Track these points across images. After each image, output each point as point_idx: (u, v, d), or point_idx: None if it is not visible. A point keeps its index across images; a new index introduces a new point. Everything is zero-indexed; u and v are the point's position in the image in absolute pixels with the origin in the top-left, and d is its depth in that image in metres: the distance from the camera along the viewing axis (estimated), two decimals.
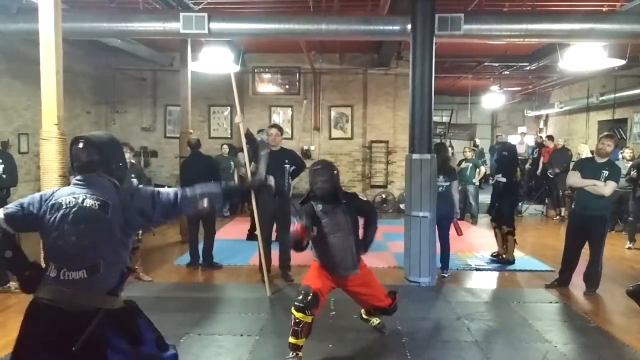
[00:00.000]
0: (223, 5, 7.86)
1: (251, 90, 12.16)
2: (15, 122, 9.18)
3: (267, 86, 12.33)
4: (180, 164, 7.25)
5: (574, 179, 5.56)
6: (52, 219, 2.19)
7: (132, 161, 6.25)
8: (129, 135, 12.19)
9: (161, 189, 2.41)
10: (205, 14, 6.46)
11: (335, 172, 3.73)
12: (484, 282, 6.15)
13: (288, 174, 5.80)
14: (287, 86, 12.29)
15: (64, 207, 2.20)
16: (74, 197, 2.22)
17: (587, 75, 12.00)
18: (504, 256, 6.78)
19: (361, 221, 3.93)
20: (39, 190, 2.73)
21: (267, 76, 12.33)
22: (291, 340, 3.53)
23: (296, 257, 6.08)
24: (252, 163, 5.98)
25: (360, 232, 3.89)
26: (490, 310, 4.99)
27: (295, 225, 3.39)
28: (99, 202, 2.21)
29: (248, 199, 5.53)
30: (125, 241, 2.31)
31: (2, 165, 6.22)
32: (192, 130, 8.71)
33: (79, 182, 2.29)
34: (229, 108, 12.30)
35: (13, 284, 5.33)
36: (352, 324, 4.47)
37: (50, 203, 2.23)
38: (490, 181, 9.47)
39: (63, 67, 4.51)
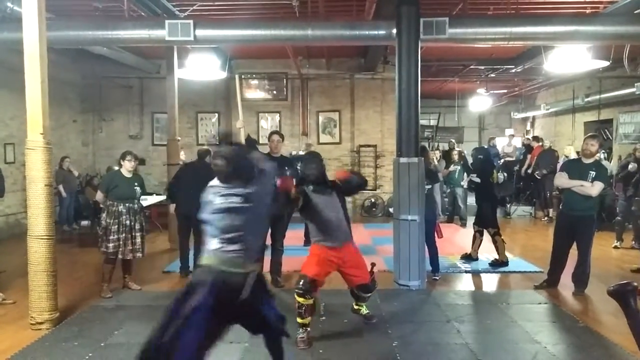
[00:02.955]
0: (209, 12, 7.85)
1: (238, 97, 12.10)
2: (2, 132, 9.09)
3: (254, 92, 12.31)
4: (181, 168, 7.15)
5: (562, 180, 5.61)
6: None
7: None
8: (116, 143, 12.13)
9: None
10: (191, 21, 6.45)
11: (322, 160, 4.36)
12: (473, 284, 6.18)
13: None
14: (274, 92, 12.28)
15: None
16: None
17: (572, 77, 12.13)
18: (495, 258, 6.81)
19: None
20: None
21: (254, 82, 12.31)
22: (298, 320, 4.10)
23: (287, 264, 6.09)
24: None
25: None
26: (480, 312, 5.01)
27: (282, 179, 3.72)
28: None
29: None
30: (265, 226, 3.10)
31: None
32: (179, 138, 8.69)
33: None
34: (216, 114, 12.27)
35: (1, 295, 5.26)
36: (343, 329, 4.48)
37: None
38: (463, 184, 9.59)
39: (49, 75, 4.49)
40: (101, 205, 5.71)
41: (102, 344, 4.15)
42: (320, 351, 3.99)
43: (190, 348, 2.63)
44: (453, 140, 13.51)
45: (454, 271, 6.63)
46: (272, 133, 6.03)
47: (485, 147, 8.33)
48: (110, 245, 5.42)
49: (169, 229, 8.34)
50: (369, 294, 4.52)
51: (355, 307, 4.69)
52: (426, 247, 6.00)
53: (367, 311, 4.70)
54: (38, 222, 4.41)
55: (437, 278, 6.17)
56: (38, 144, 4.39)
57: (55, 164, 8.48)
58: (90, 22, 6.89)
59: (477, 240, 7.03)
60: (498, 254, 6.78)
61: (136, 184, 5.71)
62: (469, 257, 7.08)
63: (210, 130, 12.36)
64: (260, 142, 11.88)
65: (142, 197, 6.06)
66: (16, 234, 8.44)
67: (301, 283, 4.06)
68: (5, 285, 5.66)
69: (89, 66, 11.40)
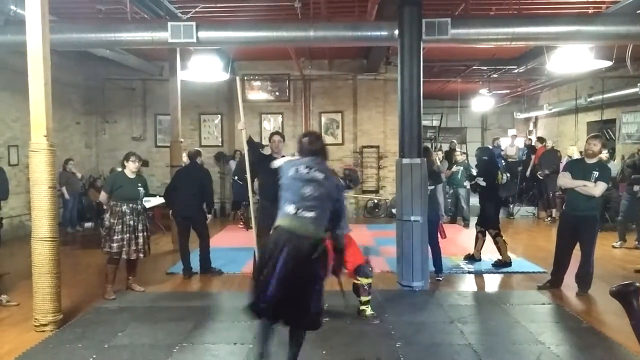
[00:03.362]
0: (211, 14, 7.87)
1: (241, 98, 12.12)
2: (5, 134, 9.12)
3: (257, 93, 12.34)
4: (176, 171, 7.23)
5: (565, 180, 5.60)
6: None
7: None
8: (119, 145, 12.17)
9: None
10: (194, 23, 6.47)
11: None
12: (476, 285, 6.17)
13: None
14: (277, 93, 12.30)
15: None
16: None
17: (575, 77, 12.11)
18: (499, 258, 6.80)
19: None
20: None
21: (256, 83, 12.34)
22: (365, 299, 4.77)
23: None
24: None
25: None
26: (483, 312, 5.00)
27: None
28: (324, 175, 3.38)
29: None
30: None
31: None
32: (182, 139, 8.71)
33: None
34: (219, 116, 12.30)
35: (5, 297, 5.28)
36: (346, 330, 4.47)
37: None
38: (467, 185, 9.56)
39: (52, 78, 4.50)
40: (104, 207, 5.73)
41: (106, 346, 4.15)
42: (323, 352, 3.99)
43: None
44: (455, 141, 13.50)
45: (457, 272, 6.63)
46: (273, 134, 6.02)
47: (490, 147, 8.30)
48: (115, 245, 5.44)
49: (172, 230, 8.36)
50: (369, 281, 4.71)
51: (361, 308, 4.77)
52: (429, 247, 6.00)
53: (372, 312, 4.77)
54: (42, 224, 4.43)
55: (441, 279, 6.16)
56: (41, 146, 4.40)
57: (58, 166, 8.52)
58: (93, 24, 6.92)
59: (479, 241, 7.02)
60: (500, 254, 6.77)
61: (139, 184, 5.72)
62: (471, 258, 7.07)
63: (213, 131, 12.38)
64: (263, 143, 11.94)
65: (146, 198, 6.08)
66: (20, 236, 8.46)
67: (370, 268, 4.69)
68: (9, 287, 5.68)
69: (92, 68, 11.46)
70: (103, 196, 5.71)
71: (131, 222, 5.52)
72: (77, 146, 11.56)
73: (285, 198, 3.31)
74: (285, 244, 3.11)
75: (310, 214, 3.21)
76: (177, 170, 7.32)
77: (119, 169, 6.38)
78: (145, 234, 5.68)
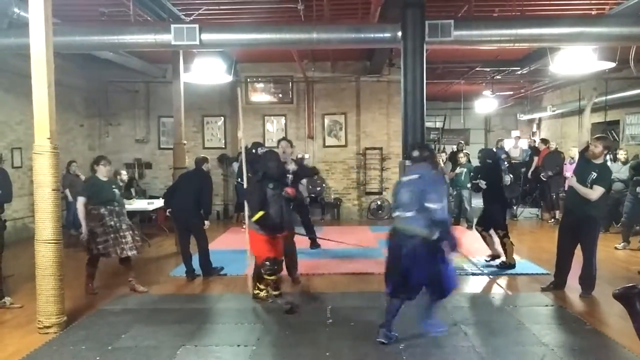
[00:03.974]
0: (214, 16, 7.89)
1: (245, 100, 12.19)
2: (9, 137, 9.16)
3: (260, 95, 12.36)
4: (179, 175, 7.26)
5: (571, 180, 5.60)
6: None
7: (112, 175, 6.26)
8: (122, 148, 12.22)
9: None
10: (197, 26, 6.50)
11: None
12: (480, 286, 6.15)
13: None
14: (280, 95, 12.32)
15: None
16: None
17: (578, 79, 12.08)
18: (503, 260, 6.77)
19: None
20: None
21: (260, 86, 12.37)
22: (275, 293, 5.10)
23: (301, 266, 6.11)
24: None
25: None
26: (486, 314, 4.99)
27: (288, 189, 5.00)
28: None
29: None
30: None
31: None
32: (185, 142, 8.72)
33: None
34: (222, 118, 12.31)
35: (8, 299, 5.29)
36: (349, 332, 4.47)
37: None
38: (468, 185, 9.56)
39: (55, 80, 4.52)
40: (80, 215, 5.65)
41: (110, 347, 4.16)
42: (327, 354, 3.99)
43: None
44: (462, 142, 13.47)
45: (460, 273, 6.58)
46: (280, 140, 6.10)
47: (493, 149, 8.27)
48: (100, 247, 5.52)
49: (175, 232, 8.36)
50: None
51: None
52: None
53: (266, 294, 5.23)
54: (45, 226, 4.44)
55: None
56: (45, 149, 4.41)
57: (62, 169, 8.54)
58: (96, 27, 6.95)
59: (489, 239, 6.95)
60: (506, 256, 6.74)
61: (113, 186, 5.83)
62: (494, 257, 6.96)
63: (217, 133, 12.39)
64: (266, 145, 11.96)
65: (150, 201, 6.11)
66: (24, 238, 8.49)
67: (269, 265, 4.95)
68: (13, 289, 5.70)
69: (95, 71, 11.49)
70: (81, 201, 5.66)
71: (112, 223, 5.58)
72: (80, 148, 11.60)
73: (393, 205, 4.27)
74: (401, 244, 3.94)
75: (408, 214, 3.92)
76: (181, 174, 7.35)
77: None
78: (132, 232, 5.74)
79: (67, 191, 9.32)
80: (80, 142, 11.68)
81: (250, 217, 4.99)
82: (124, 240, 5.62)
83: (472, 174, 8.29)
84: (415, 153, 4.22)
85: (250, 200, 5.11)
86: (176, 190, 6.60)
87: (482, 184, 6.85)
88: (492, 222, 6.84)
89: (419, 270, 3.88)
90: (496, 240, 6.90)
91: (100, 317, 4.95)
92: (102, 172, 5.79)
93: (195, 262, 6.54)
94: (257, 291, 5.33)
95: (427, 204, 3.82)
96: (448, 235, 3.93)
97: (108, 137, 12.33)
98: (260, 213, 4.81)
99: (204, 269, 6.53)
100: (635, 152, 9.91)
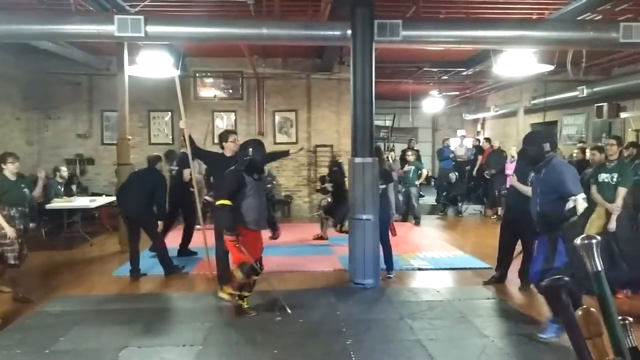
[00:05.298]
0: (161, 8, 7.67)
1: (193, 95, 11.94)
2: None
3: (209, 90, 12.14)
4: (132, 173, 7.03)
5: (512, 177, 5.83)
6: None
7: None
8: (63, 143, 11.71)
9: None
10: (142, 17, 6.28)
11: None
12: (426, 281, 6.29)
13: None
14: (230, 91, 12.15)
15: None
16: None
17: (520, 80, 12.56)
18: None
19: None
20: None
21: (209, 81, 12.15)
22: (245, 293, 4.81)
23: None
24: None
25: None
26: (431, 308, 5.11)
27: None
28: None
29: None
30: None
31: None
32: (130, 137, 8.44)
33: None
34: (169, 113, 12.00)
35: None
36: (297, 329, 4.47)
37: None
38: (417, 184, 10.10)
39: None
40: None
41: (47, 351, 3.98)
42: (275, 351, 3.97)
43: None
44: (414, 139, 13.74)
45: (407, 269, 6.75)
46: (230, 132, 5.83)
47: (340, 161, 9.04)
48: (15, 254, 5.19)
49: (119, 231, 8.11)
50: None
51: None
52: (380, 245, 6.08)
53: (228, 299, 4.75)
54: None
55: (391, 276, 6.26)
56: None
57: None
58: (34, 15, 6.60)
59: (325, 222, 8.65)
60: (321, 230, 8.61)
61: (23, 185, 5.49)
62: (320, 238, 8.52)
63: (163, 129, 12.08)
64: (215, 141, 11.76)
65: (91, 198, 5.86)
66: None
67: (250, 269, 4.65)
68: None
69: (33, 62, 10.91)
70: None
71: (21, 227, 5.31)
72: (17, 143, 11.00)
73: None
74: None
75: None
76: (133, 172, 7.18)
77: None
78: (23, 238, 5.43)
79: None
80: (16, 136, 11.09)
81: (210, 201, 4.78)
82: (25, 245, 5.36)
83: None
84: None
85: (222, 187, 4.71)
86: (126, 188, 6.41)
87: (329, 186, 8.64)
88: (333, 213, 8.32)
89: None
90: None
91: (37, 319, 4.74)
92: (11, 170, 5.35)
93: (143, 262, 6.37)
94: (231, 294, 4.74)
95: None
96: None
97: (47, 132, 11.77)
98: (226, 202, 4.43)
99: (165, 267, 6.37)
100: (570, 151, 10.41)
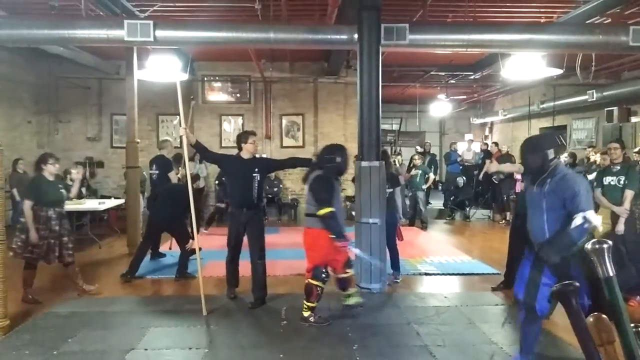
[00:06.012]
0: (170, 13, 7.74)
1: (201, 99, 12.01)
2: None
3: (217, 95, 12.21)
4: (165, 187, 7.04)
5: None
6: None
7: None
8: (73, 146, 11.82)
9: None
10: (151, 22, 6.34)
11: None
12: (433, 286, 6.26)
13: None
14: (237, 95, 12.21)
15: None
16: None
17: (528, 84, 12.51)
18: None
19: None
20: None
21: (217, 85, 12.22)
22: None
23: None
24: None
25: None
26: (439, 314, 5.08)
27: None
28: None
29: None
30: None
31: None
32: (139, 140, 8.50)
33: None
34: (177, 117, 12.02)
35: None
36: (303, 333, 4.47)
37: None
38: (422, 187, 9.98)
39: (2, 75, 4.32)
40: (27, 219, 5.15)
41: (55, 352, 4.01)
42: (281, 356, 3.97)
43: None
44: (429, 142, 13.76)
45: (414, 273, 6.72)
46: (249, 133, 5.53)
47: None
48: (37, 251, 5.21)
49: (127, 233, 8.16)
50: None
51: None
52: (387, 250, 6.06)
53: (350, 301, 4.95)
54: None
55: (398, 281, 6.24)
56: None
57: (7, 167, 8.17)
58: (46, 20, 6.68)
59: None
60: None
61: (60, 186, 5.53)
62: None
63: (172, 132, 12.14)
64: (223, 145, 11.81)
65: (101, 200, 5.89)
66: None
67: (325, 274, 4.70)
68: None
69: (44, 66, 11.06)
70: (28, 205, 5.16)
71: (56, 228, 5.31)
72: (28, 146, 11.12)
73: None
74: None
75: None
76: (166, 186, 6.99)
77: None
78: (69, 237, 5.49)
79: (14, 190, 8.91)
80: (27, 139, 11.20)
81: (313, 213, 4.59)
82: (67, 246, 5.39)
83: (436, 179, 8.62)
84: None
85: (323, 197, 4.58)
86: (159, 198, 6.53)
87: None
88: None
89: None
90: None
91: (46, 320, 4.77)
92: (51, 171, 5.40)
93: (146, 265, 6.41)
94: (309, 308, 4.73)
95: None
96: None
97: (58, 135, 11.89)
98: (330, 209, 4.48)
99: (179, 270, 6.38)
100: (580, 156, 10.34)
